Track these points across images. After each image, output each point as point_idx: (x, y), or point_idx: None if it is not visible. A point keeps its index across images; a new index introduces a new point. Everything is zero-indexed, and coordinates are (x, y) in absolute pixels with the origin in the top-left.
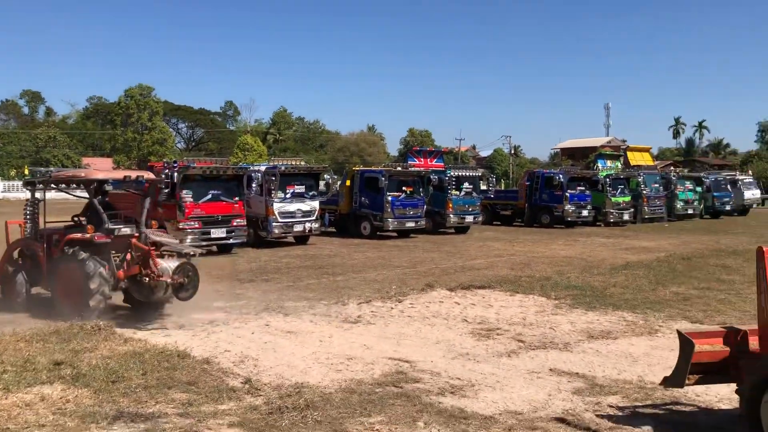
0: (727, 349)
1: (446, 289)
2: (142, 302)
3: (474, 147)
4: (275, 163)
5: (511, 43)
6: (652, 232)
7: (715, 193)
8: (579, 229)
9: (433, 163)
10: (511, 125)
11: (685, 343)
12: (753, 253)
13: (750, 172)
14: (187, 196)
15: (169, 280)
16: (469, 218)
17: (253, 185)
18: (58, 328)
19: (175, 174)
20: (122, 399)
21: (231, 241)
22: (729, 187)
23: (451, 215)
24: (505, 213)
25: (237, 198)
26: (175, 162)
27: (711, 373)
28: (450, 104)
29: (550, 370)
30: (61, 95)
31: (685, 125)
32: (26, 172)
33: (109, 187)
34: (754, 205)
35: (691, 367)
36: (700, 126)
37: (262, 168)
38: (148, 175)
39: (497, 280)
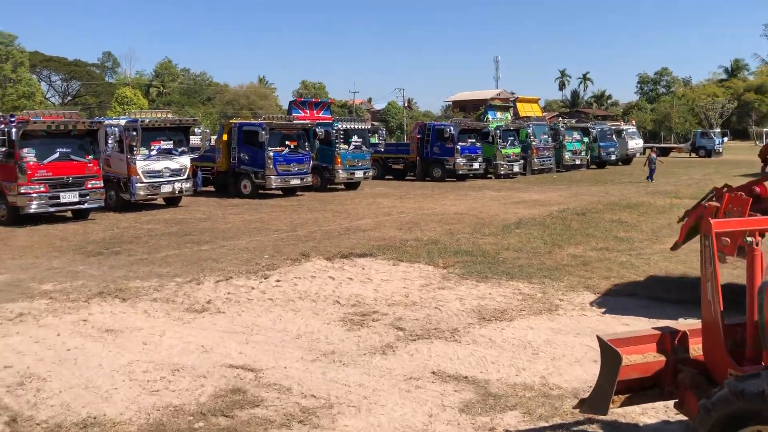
0: (663, 358)
1: (323, 258)
2: None
3: (369, 100)
4: (137, 117)
5: None
6: (542, 184)
7: (601, 143)
8: (470, 182)
9: (320, 115)
10: (405, 78)
11: (610, 355)
12: (646, 206)
13: (633, 122)
14: (29, 155)
15: None
16: (360, 173)
17: (110, 141)
18: None
19: (14, 130)
20: None
21: (86, 205)
22: (614, 137)
23: (340, 170)
24: (397, 167)
25: (91, 156)
26: (12, 116)
27: (641, 389)
28: (344, 56)
29: (433, 373)
30: None
31: (570, 77)
32: None
33: None
34: (637, 155)
35: (617, 385)
36: (585, 78)
37: (122, 122)
38: None
39: (381, 246)
